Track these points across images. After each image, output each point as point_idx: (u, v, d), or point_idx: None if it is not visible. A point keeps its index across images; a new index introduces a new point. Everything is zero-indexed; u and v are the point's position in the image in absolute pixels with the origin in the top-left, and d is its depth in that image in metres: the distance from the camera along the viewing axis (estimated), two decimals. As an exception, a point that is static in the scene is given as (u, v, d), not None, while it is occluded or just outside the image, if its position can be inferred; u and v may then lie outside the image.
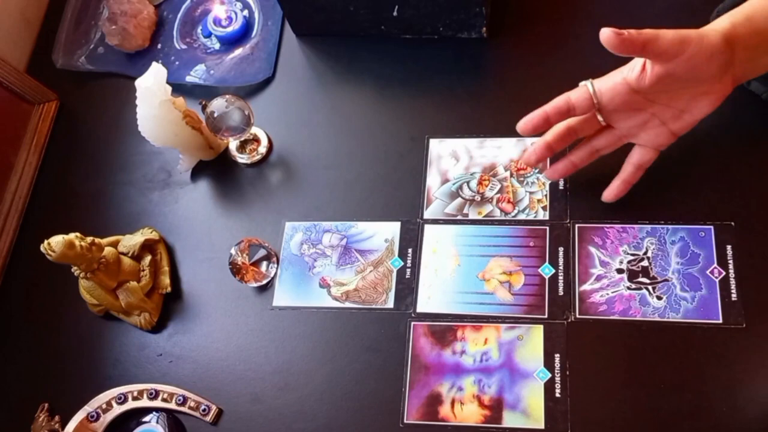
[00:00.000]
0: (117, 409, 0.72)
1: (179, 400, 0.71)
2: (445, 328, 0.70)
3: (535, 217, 0.73)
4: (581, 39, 0.81)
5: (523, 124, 0.66)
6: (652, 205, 0.71)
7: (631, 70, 0.62)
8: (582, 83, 0.65)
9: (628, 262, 0.69)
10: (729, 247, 0.68)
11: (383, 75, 0.84)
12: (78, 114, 0.91)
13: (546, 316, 0.68)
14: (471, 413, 0.66)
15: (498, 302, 0.70)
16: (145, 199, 0.83)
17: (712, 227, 0.69)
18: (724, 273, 0.67)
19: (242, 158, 0.82)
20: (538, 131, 0.67)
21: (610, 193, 0.70)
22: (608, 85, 0.64)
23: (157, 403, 0.72)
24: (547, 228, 0.72)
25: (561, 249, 0.71)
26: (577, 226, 0.72)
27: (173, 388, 0.72)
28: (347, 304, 0.73)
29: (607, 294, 0.68)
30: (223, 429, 0.70)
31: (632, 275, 0.69)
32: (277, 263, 0.76)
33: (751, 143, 0.72)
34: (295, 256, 0.76)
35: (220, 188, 0.82)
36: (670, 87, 0.62)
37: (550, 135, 0.68)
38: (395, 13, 0.81)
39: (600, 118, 0.66)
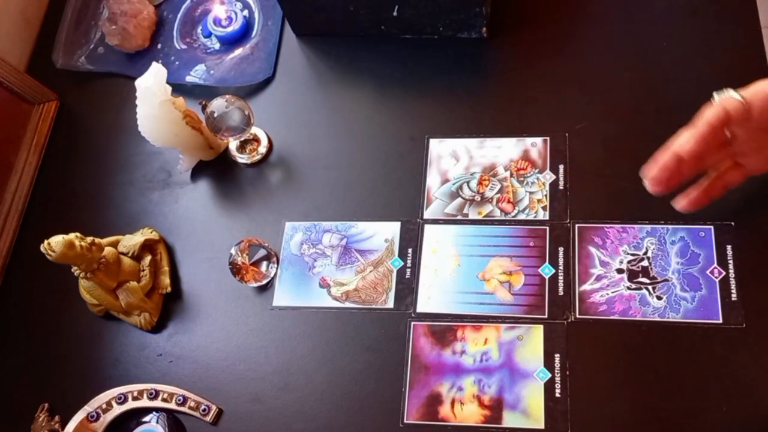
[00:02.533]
0: (117, 409, 0.72)
1: (179, 400, 0.71)
2: (445, 328, 0.70)
3: (535, 217, 0.73)
4: (581, 39, 0.81)
5: (694, 138, 0.58)
6: (652, 205, 0.70)
7: None
8: (722, 94, 0.59)
9: (628, 262, 0.69)
10: (729, 247, 0.68)
11: (383, 75, 0.84)
12: (78, 114, 0.91)
13: (546, 316, 0.68)
14: (471, 413, 0.66)
15: (498, 302, 0.70)
16: (145, 199, 0.83)
17: (712, 227, 0.69)
18: (724, 273, 0.67)
19: (242, 158, 0.82)
20: (710, 146, 0.59)
21: (686, 202, 0.66)
22: (759, 95, 0.58)
23: (157, 403, 0.72)
24: (547, 228, 0.72)
25: (561, 249, 0.71)
26: (577, 226, 0.71)
27: (173, 388, 0.72)
28: (347, 304, 0.73)
29: (607, 294, 0.68)
30: (223, 429, 0.70)
31: (632, 275, 0.68)
32: (277, 263, 0.76)
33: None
34: (295, 256, 0.76)
35: (220, 188, 0.82)
36: None
37: (684, 147, 0.59)
38: (395, 13, 0.81)
39: (728, 132, 0.60)
